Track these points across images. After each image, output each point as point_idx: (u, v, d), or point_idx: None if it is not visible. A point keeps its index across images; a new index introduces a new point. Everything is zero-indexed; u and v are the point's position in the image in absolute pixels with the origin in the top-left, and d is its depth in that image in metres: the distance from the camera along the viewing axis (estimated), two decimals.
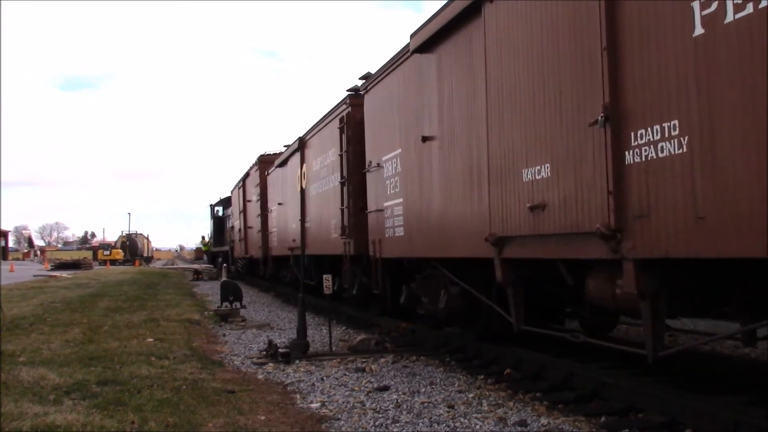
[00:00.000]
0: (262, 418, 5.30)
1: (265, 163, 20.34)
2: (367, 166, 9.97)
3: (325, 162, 12.30)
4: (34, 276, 31.03)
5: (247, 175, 23.92)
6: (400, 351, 8.51)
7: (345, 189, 10.87)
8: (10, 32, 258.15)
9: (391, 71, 8.95)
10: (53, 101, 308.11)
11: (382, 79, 9.37)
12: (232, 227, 29.34)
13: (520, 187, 5.67)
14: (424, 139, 7.68)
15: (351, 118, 10.74)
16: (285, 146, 16.88)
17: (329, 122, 12.02)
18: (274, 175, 18.28)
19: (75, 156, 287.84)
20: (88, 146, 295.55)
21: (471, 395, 6.08)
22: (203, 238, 48.99)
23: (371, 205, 9.86)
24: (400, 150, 8.61)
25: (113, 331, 10.38)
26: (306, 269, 13.34)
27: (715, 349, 7.75)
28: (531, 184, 5.50)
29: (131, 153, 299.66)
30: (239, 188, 25.86)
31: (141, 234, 79.72)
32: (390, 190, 9.00)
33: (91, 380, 6.51)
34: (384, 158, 9.23)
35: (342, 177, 10.96)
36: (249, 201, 23.15)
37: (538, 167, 5.39)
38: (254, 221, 21.90)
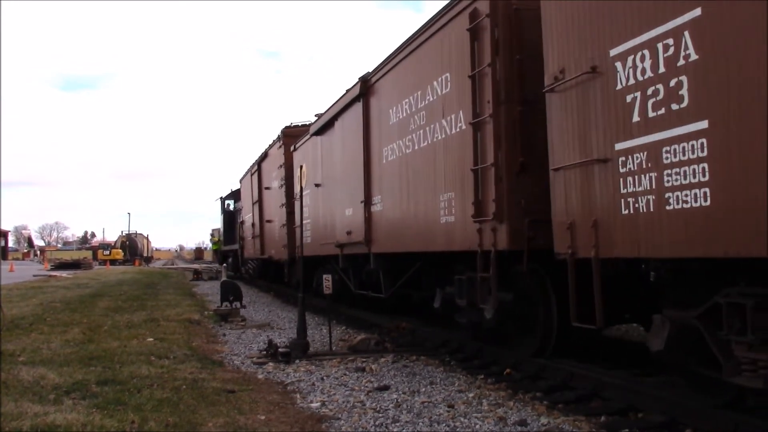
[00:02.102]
0: (262, 417, 5.31)
1: (291, 137, 15.45)
2: (551, 82, 5.62)
3: (422, 103, 7.93)
4: (34, 276, 31.01)
5: (264, 156, 19.03)
6: (400, 351, 8.51)
7: (482, 135, 6.56)
8: (10, 32, 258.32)
9: None
10: (53, 101, 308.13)
11: None
12: (242, 222, 25.13)
13: None
14: None
15: (501, 8, 6.39)
16: (316, 115, 12.73)
17: (436, 32, 7.54)
18: (308, 149, 13.46)
19: (75, 156, 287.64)
20: (88, 146, 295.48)
21: (471, 395, 6.09)
22: (212, 235, 42.99)
23: (564, 155, 5.48)
24: (697, 12, 4.13)
25: (113, 330, 10.39)
26: (370, 275, 10.33)
27: None
28: None
29: (131, 153, 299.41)
30: (252, 174, 20.99)
31: (141, 234, 79.67)
32: (644, 114, 4.58)
33: (91, 380, 6.51)
34: (616, 51, 4.83)
35: (475, 115, 6.61)
36: (268, 188, 18.54)
37: None
38: (276, 213, 17.17)
